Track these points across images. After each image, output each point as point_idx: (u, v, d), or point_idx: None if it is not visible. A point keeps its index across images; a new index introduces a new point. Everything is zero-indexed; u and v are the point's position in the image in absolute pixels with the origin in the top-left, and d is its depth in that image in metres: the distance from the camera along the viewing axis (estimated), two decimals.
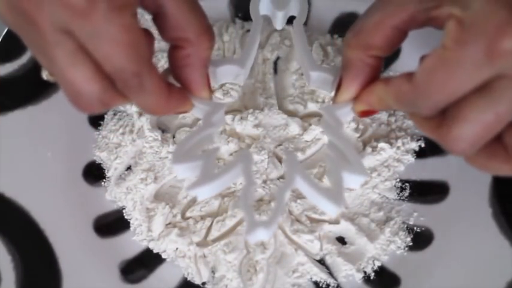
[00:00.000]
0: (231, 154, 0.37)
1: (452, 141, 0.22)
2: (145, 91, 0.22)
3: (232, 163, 0.25)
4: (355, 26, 0.24)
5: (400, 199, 0.37)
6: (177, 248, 0.35)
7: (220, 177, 0.24)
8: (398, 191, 0.37)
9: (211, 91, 0.26)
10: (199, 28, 0.24)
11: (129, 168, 0.38)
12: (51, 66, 0.21)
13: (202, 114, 0.26)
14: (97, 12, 0.20)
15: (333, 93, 0.27)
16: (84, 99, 0.22)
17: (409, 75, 0.22)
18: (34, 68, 0.38)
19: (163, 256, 0.35)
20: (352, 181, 0.24)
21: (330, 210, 0.23)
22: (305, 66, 0.28)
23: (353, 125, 0.37)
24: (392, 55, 0.40)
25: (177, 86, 0.26)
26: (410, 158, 0.37)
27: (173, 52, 0.25)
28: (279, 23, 0.31)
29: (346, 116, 0.27)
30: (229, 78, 0.29)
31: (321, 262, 0.35)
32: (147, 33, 0.22)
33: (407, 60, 0.39)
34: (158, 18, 0.24)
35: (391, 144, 0.36)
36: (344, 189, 0.23)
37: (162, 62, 0.38)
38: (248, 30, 0.41)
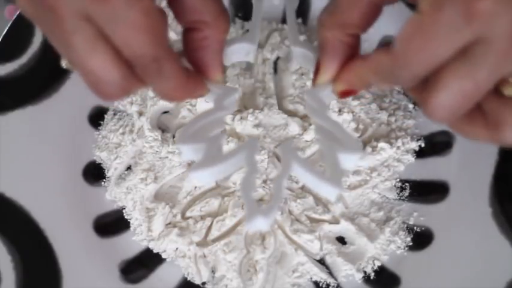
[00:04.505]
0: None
1: (432, 109, 0.21)
2: (164, 76, 0.22)
3: (236, 150, 0.24)
4: (329, 6, 0.24)
5: (400, 199, 0.37)
6: (177, 248, 0.35)
7: (222, 163, 0.23)
8: (398, 191, 0.37)
9: (224, 74, 0.26)
10: (216, 10, 0.24)
11: (129, 168, 0.38)
12: (70, 53, 0.21)
13: (214, 98, 0.26)
14: None
15: (311, 76, 0.27)
16: (104, 86, 0.22)
17: (387, 48, 0.22)
18: (34, 68, 0.38)
19: (163, 256, 0.36)
20: (347, 160, 0.23)
21: (329, 193, 0.23)
22: (290, 41, 0.29)
23: (353, 124, 0.37)
24: None
25: (192, 70, 0.25)
26: (410, 158, 0.37)
27: (189, 35, 0.25)
28: None
29: (329, 97, 0.26)
30: (240, 56, 0.29)
31: (321, 262, 0.35)
32: (163, 14, 0.22)
33: None
34: (174, 2, 0.24)
35: (391, 144, 0.36)
36: (342, 171, 0.23)
37: None
38: (248, 30, 0.40)
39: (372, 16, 0.23)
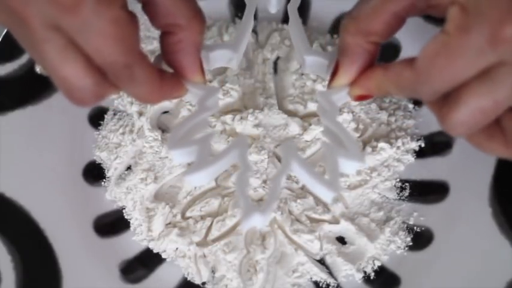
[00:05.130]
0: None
1: (451, 125, 0.22)
2: (136, 81, 0.22)
3: (228, 149, 0.24)
4: (353, 11, 0.25)
5: (400, 199, 0.37)
6: (177, 248, 0.35)
7: (215, 163, 0.24)
8: (398, 191, 0.37)
9: (204, 76, 0.26)
10: (189, 13, 0.24)
11: (129, 168, 0.38)
12: (43, 62, 0.22)
13: (196, 99, 0.26)
14: (85, 6, 0.20)
15: (327, 79, 0.27)
16: (77, 93, 0.22)
17: (410, 61, 0.22)
18: (34, 68, 0.38)
19: (163, 256, 0.36)
20: (347, 166, 0.23)
21: (326, 196, 0.23)
22: (300, 50, 0.28)
23: (353, 124, 0.37)
24: (392, 54, 0.40)
25: (169, 71, 0.26)
26: (410, 158, 0.37)
27: (165, 38, 0.25)
28: (273, 5, 0.31)
29: (342, 100, 0.27)
30: (222, 62, 0.28)
31: (321, 262, 0.35)
32: (134, 20, 0.22)
33: None
34: (148, 6, 0.24)
35: (391, 144, 0.36)
36: (339, 175, 0.23)
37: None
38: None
39: (395, 26, 0.24)
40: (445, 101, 0.22)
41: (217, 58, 0.28)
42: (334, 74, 0.26)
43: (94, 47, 0.21)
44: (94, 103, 0.23)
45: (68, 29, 0.20)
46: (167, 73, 0.25)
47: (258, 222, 0.23)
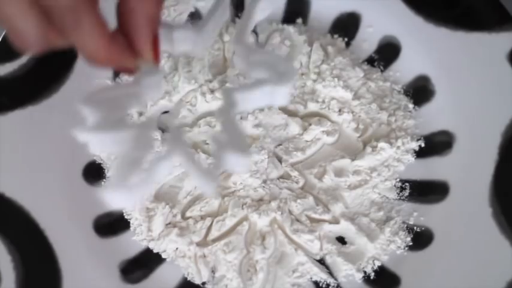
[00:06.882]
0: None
1: None
2: (82, 29, 0.21)
3: (164, 153, 0.22)
4: None
5: (400, 199, 0.37)
6: (177, 248, 0.35)
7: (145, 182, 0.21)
8: (398, 190, 0.37)
9: (157, 56, 0.24)
10: None
11: None
12: None
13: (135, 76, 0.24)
14: None
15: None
16: (22, 35, 0.21)
17: None
18: (34, 68, 0.38)
19: (163, 256, 0.35)
20: (232, 160, 0.21)
21: (205, 190, 0.22)
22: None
23: (353, 124, 0.37)
24: (393, 55, 0.40)
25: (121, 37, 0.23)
26: (410, 158, 0.37)
27: (119, 5, 0.23)
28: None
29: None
30: (187, 46, 0.26)
31: (321, 262, 0.35)
32: None
33: (407, 60, 0.39)
34: None
35: (391, 144, 0.36)
36: (220, 169, 0.22)
37: None
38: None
39: None
40: None
41: (181, 40, 0.25)
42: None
43: None
44: (39, 48, 0.22)
45: None
46: (120, 36, 0.23)
47: (117, 200, 0.20)
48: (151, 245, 0.36)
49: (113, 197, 0.20)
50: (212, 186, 0.21)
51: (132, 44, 0.23)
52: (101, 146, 0.22)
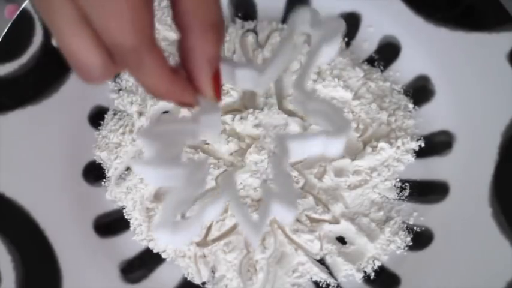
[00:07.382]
0: (230, 154, 0.37)
1: None
2: (145, 69, 0.22)
3: (215, 197, 0.22)
4: None
5: (400, 199, 0.37)
6: (177, 248, 0.35)
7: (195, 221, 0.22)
8: (398, 190, 0.37)
9: (219, 93, 0.24)
10: (207, 19, 0.22)
11: (129, 168, 0.38)
12: (55, 33, 0.21)
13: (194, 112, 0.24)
14: None
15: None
16: (85, 70, 0.22)
17: None
18: (34, 68, 0.38)
19: (163, 256, 0.36)
20: (280, 211, 0.22)
21: (250, 240, 0.22)
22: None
23: (353, 124, 0.37)
24: (393, 55, 0.40)
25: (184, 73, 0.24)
26: (410, 158, 0.37)
27: (180, 42, 0.23)
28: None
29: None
30: (249, 84, 0.25)
31: (321, 262, 0.35)
32: (149, 4, 0.21)
33: (407, 60, 0.39)
34: (173, 2, 0.22)
35: (391, 144, 0.36)
36: (267, 218, 0.22)
37: None
38: (248, 30, 0.41)
39: None
40: None
41: (243, 77, 0.25)
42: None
43: (104, 25, 0.20)
44: (102, 81, 0.23)
45: (83, 2, 0.20)
46: (182, 71, 0.23)
47: (165, 239, 0.21)
48: (151, 245, 0.36)
49: (161, 236, 0.21)
50: (257, 239, 0.22)
51: (193, 79, 0.24)
52: (155, 180, 0.22)
